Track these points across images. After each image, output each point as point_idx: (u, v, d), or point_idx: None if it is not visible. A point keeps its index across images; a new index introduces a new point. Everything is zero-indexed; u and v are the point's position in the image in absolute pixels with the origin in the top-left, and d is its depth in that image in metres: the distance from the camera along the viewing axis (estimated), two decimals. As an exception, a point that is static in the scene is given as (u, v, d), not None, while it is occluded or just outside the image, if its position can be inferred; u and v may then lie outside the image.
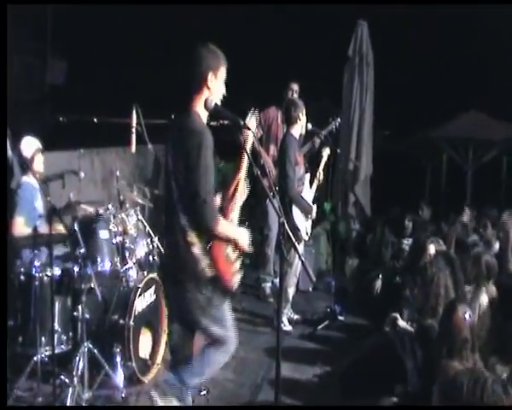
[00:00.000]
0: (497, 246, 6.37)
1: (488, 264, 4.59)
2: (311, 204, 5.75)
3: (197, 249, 3.11)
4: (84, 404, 3.87)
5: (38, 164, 4.71)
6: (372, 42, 7.52)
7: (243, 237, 3.28)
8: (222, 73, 3.27)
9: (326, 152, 6.08)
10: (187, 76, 3.26)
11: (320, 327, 5.87)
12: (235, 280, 3.29)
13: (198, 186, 3.01)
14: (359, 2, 10.16)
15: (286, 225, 2.97)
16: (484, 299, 4.33)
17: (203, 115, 3.24)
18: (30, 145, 4.69)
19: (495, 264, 4.66)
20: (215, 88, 3.24)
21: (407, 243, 6.94)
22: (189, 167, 3.05)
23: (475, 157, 10.41)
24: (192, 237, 3.10)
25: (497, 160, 11.14)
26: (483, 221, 7.20)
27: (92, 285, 4.19)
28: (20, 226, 4.41)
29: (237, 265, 3.33)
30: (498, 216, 7.27)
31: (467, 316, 3.33)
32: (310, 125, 5.94)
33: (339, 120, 6.66)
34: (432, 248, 5.22)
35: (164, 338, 4.67)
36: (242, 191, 3.42)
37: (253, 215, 8.51)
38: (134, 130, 5.11)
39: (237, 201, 3.40)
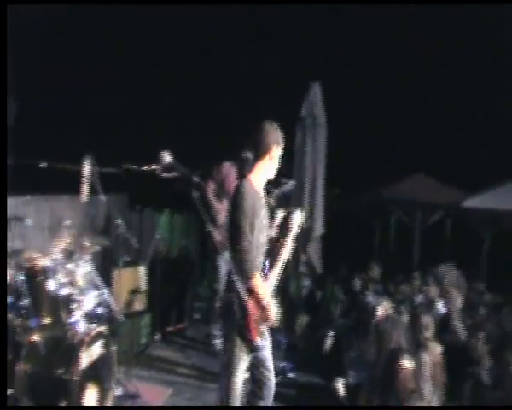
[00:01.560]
0: (439, 305, 6.51)
1: (424, 324, 4.77)
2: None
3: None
4: None
5: None
6: (324, 102, 7.74)
7: (272, 306, 3.43)
8: (281, 147, 3.73)
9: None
10: (251, 148, 3.71)
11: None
12: (260, 340, 3.49)
13: (240, 239, 3.36)
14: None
15: (236, 281, 2.97)
16: (425, 357, 4.41)
17: (257, 181, 3.62)
18: None
19: (427, 320, 4.82)
20: (275, 159, 3.69)
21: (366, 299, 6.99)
22: (233, 224, 3.43)
23: (422, 218, 10.74)
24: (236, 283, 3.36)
25: (442, 222, 11.50)
26: (429, 281, 7.36)
27: (35, 338, 4.00)
28: None
29: (264, 330, 3.55)
30: (443, 277, 7.48)
31: (407, 364, 3.42)
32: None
33: (293, 181, 6.73)
34: (380, 310, 5.30)
35: (111, 394, 4.47)
36: (282, 262, 3.66)
37: (203, 270, 8.46)
38: (86, 179, 5.01)
39: (277, 269, 3.62)
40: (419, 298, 6.97)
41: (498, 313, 6.59)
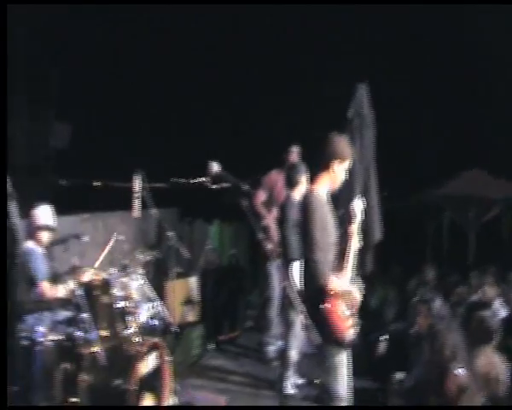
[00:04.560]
0: (497, 306, 6.34)
1: (489, 326, 4.51)
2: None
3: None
4: None
5: (44, 237, 4.76)
6: (372, 102, 7.65)
7: (355, 292, 3.62)
8: (347, 162, 3.73)
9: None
10: (315, 158, 3.79)
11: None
12: (350, 334, 3.55)
13: (309, 250, 3.47)
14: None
15: (288, 288, 3.02)
16: (481, 363, 4.21)
17: (320, 192, 3.67)
18: (44, 216, 4.75)
19: (494, 328, 4.54)
20: (338, 173, 3.69)
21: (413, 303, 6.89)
22: (303, 237, 3.54)
23: (477, 216, 10.46)
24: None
25: (498, 218, 11.19)
26: (485, 280, 7.17)
27: (95, 350, 4.17)
28: (49, 289, 4.40)
29: (352, 320, 3.60)
30: (501, 275, 7.29)
31: (463, 380, 3.34)
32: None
33: None
34: (433, 312, 5.22)
35: (167, 403, 4.61)
36: (354, 249, 3.77)
37: (254, 278, 8.55)
38: (137, 195, 5.17)
39: (349, 259, 3.72)
40: (475, 299, 6.82)
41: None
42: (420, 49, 11.78)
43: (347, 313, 3.58)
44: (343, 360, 3.60)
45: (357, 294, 3.66)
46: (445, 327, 4.45)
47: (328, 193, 3.78)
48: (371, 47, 11.66)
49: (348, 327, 3.55)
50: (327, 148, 3.69)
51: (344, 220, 3.92)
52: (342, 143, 3.75)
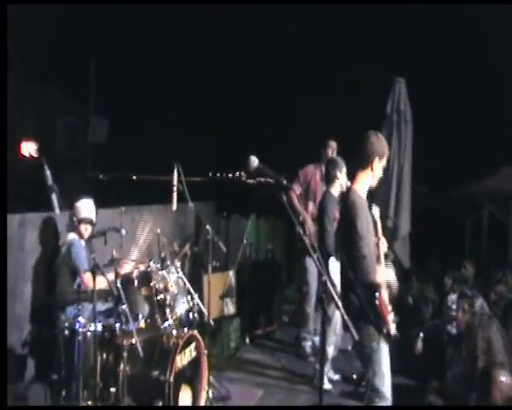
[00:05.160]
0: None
1: None
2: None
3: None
4: None
5: (85, 230, 4.84)
6: (410, 97, 7.57)
7: (394, 285, 3.76)
8: (385, 159, 3.79)
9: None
10: (354, 157, 3.81)
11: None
12: (393, 326, 3.59)
13: (357, 247, 3.52)
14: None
15: (328, 282, 2.99)
16: None
17: (361, 189, 3.74)
18: (86, 209, 4.84)
19: None
20: (377, 170, 3.75)
21: (450, 300, 6.77)
22: (349, 234, 3.58)
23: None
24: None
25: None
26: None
27: (133, 341, 4.23)
28: (91, 280, 4.46)
29: (392, 312, 3.63)
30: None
31: (503, 379, 3.25)
32: (349, 183, 5.98)
33: None
34: (466, 309, 5.11)
35: (203, 395, 4.65)
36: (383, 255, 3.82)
37: (290, 273, 8.55)
38: (175, 188, 5.19)
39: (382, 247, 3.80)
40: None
41: None
42: (459, 41, 11.56)
43: (389, 304, 3.61)
44: (386, 356, 3.60)
45: (395, 287, 3.74)
46: (484, 325, 4.35)
47: (367, 191, 3.83)
48: (411, 41, 11.49)
49: (391, 320, 3.58)
50: (366, 146, 3.72)
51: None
52: (381, 140, 3.80)
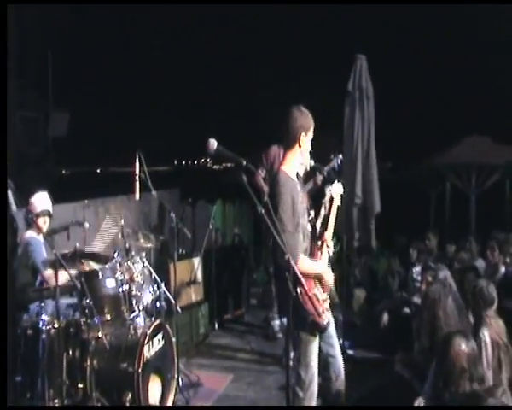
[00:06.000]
0: (502, 269, 6.35)
1: (483, 294, 4.36)
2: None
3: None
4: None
5: (44, 223, 4.76)
6: (371, 73, 7.57)
7: (327, 273, 3.57)
8: (311, 132, 3.63)
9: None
10: (279, 134, 3.64)
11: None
12: (325, 318, 3.46)
13: (283, 228, 3.29)
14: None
15: (291, 260, 2.99)
16: (484, 331, 4.13)
17: (290, 170, 3.58)
18: (41, 202, 4.76)
19: (491, 294, 4.38)
20: (305, 146, 3.60)
21: (415, 271, 6.88)
22: (275, 214, 3.28)
23: (478, 182, 10.41)
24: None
25: (500, 184, 11.12)
26: (490, 245, 7.12)
27: (100, 335, 4.20)
28: (52, 276, 4.36)
29: (326, 304, 3.55)
30: (505, 240, 7.26)
31: (463, 347, 3.31)
32: (312, 162, 5.96)
33: (340, 156, 6.65)
34: (428, 277, 5.19)
35: (173, 384, 4.65)
36: (330, 235, 3.75)
37: (258, 256, 8.57)
38: (137, 177, 5.14)
39: (325, 244, 3.71)
40: (479, 263, 6.81)
41: None
42: (419, 17, 11.61)
43: (321, 296, 3.50)
44: (315, 348, 3.53)
45: (330, 277, 3.60)
46: (439, 294, 4.37)
47: (298, 170, 3.69)
48: (371, 17, 11.49)
49: (322, 311, 3.44)
50: (290, 123, 3.56)
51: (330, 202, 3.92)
52: (305, 114, 3.61)
